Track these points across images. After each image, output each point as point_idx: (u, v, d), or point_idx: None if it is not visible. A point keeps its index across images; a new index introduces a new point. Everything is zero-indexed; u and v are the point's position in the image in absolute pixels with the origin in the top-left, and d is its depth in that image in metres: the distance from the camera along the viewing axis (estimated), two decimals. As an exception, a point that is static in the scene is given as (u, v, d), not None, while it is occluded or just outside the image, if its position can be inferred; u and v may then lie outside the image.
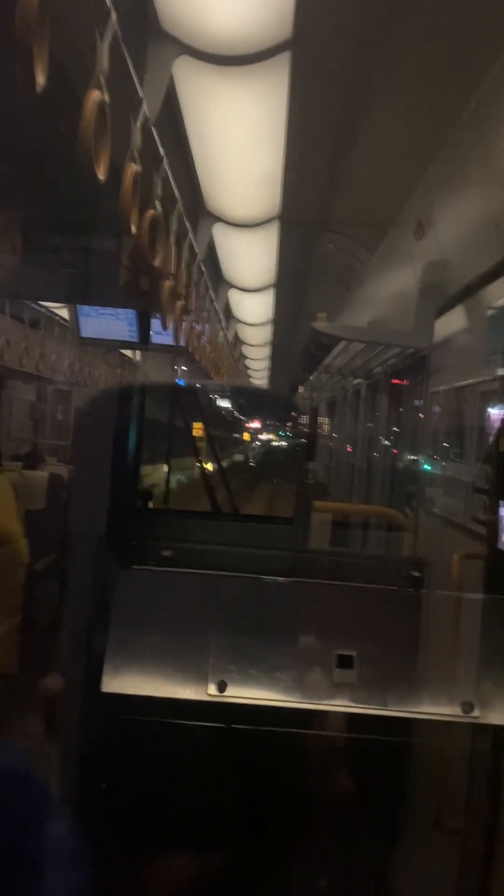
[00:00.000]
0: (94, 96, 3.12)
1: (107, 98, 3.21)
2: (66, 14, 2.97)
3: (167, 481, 3.72)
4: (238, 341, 16.94)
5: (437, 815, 1.72)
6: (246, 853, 1.49)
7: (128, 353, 12.59)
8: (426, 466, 6.22)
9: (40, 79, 2.53)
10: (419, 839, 1.59)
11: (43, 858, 1.32)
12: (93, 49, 3.22)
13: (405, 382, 7.73)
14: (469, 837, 1.68)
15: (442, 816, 1.73)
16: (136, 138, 4.08)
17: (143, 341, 7.79)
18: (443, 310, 5.81)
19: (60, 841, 1.35)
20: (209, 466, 3.40)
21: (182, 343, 7.66)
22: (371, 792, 1.52)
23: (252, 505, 8.50)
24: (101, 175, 3.26)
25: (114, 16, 3.24)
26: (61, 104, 3.20)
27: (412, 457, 7.56)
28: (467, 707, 1.50)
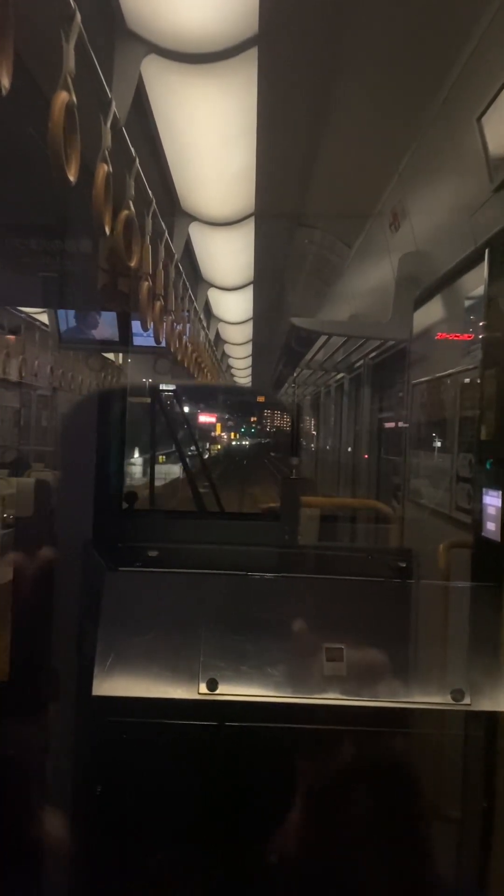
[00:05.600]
0: (62, 98, 3.10)
1: (74, 99, 3.18)
2: (30, 15, 2.94)
3: (152, 482, 3.72)
4: (220, 340, 16.93)
5: (433, 804, 1.73)
6: (244, 849, 1.49)
7: (110, 355, 12.54)
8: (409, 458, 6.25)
9: (5, 81, 2.51)
10: (416, 829, 1.60)
11: (41, 860, 1.32)
12: (58, 50, 3.19)
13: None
14: (467, 825, 1.69)
15: (438, 805, 1.74)
16: (107, 139, 4.06)
17: (125, 343, 7.77)
18: (421, 301, 5.84)
19: (57, 843, 1.34)
20: (195, 466, 3.40)
21: (163, 343, 7.63)
22: (366, 783, 1.52)
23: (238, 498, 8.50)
24: (72, 177, 3.23)
25: (78, 16, 3.21)
26: (28, 106, 3.17)
27: (396, 449, 7.59)
28: (458, 695, 1.51)
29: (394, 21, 4.30)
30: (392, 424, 8.00)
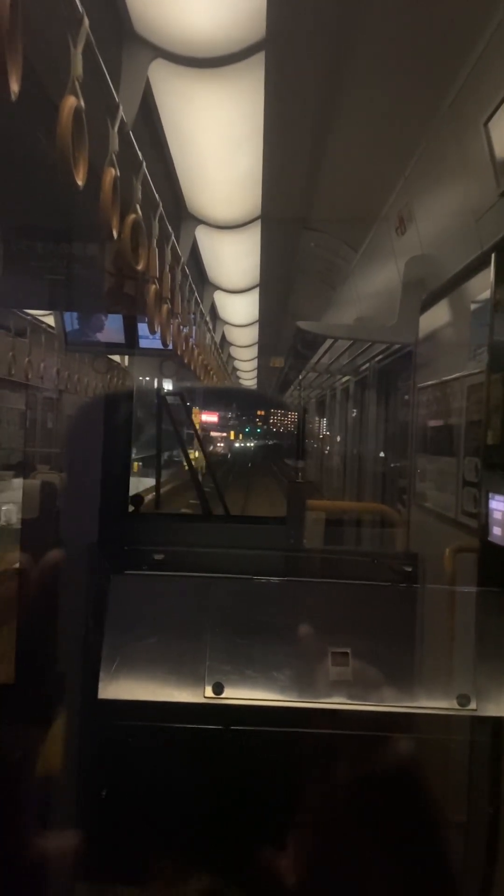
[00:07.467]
0: (70, 102, 3.12)
1: (82, 103, 3.20)
2: (38, 21, 2.96)
3: (158, 485, 3.72)
4: (226, 343, 16.95)
5: (439, 808, 1.72)
6: (250, 853, 1.49)
7: (116, 358, 12.59)
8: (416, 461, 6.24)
9: (14, 86, 2.52)
10: (421, 833, 1.60)
11: (45, 865, 1.32)
12: (67, 55, 3.21)
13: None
14: (472, 830, 1.68)
15: (444, 810, 1.73)
16: (114, 143, 4.08)
17: (131, 346, 7.79)
18: (427, 305, 5.83)
19: (62, 847, 1.34)
20: (200, 469, 3.41)
21: (170, 346, 7.65)
22: (372, 787, 1.52)
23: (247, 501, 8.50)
24: (80, 181, 3.25)
25: (86, 21, 3.23)
26: (37, 111, 3.20)
27: (402, 452, 7.58)
28: (464, 700, 1.51)
29: (400, 25, 4.31)
30: (397, 428, 7.98)
